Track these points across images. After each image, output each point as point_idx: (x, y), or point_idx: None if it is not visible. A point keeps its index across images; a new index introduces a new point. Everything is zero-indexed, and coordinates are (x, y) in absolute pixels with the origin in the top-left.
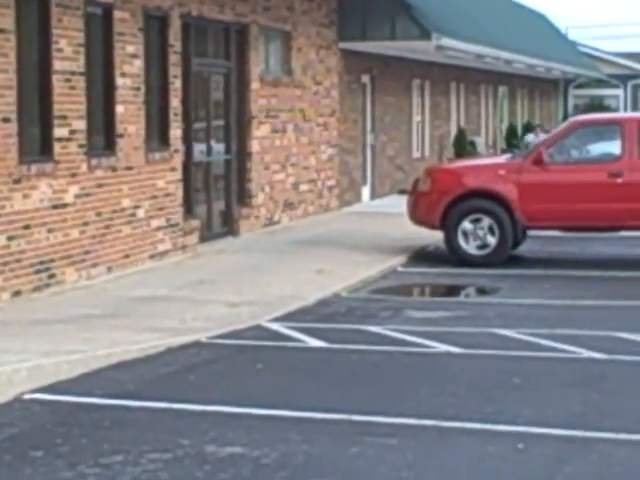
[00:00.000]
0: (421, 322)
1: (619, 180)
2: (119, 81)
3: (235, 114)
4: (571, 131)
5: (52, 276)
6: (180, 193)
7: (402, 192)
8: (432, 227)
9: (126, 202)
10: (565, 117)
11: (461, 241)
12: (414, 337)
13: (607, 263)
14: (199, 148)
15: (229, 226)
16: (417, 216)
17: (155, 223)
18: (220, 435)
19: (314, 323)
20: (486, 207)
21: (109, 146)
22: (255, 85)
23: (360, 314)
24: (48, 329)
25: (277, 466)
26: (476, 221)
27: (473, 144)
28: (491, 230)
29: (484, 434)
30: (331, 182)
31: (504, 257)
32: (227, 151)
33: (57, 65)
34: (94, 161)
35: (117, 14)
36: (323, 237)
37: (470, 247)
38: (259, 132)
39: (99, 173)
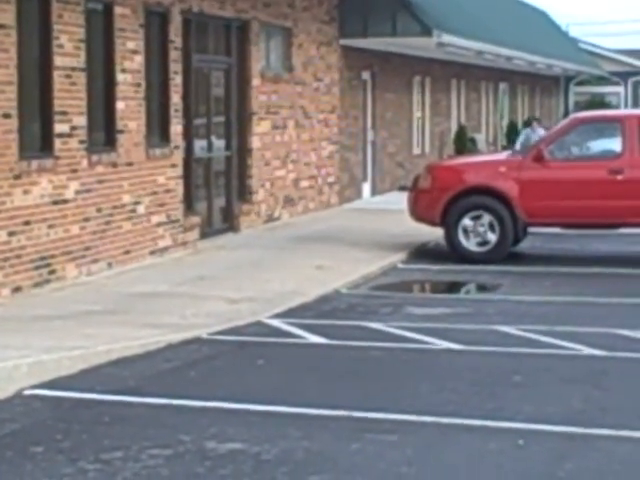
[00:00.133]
0: (421, 319)
1: (619, 177)
2: (120, 77)
3: (236, 110)
4: (572, 128)
5: (52, 272)
6: (180, 189)
7: (402, 189)
8: (432, 224)
9: (126, 198)
10: (566, 114)
11: (461, 238)
12: (414, 334)
13: (607, 260)
14: (200, 144)
15: (229, 222)
16: (417, 213)
17: (155, 219)
18: (220, 431)
19: (314, 319)
20: (486, 204)
21: (110, 142)
22: (256, 81)
23: (360, 310)
24: (48, 325)
25: (277, 462)
26: (476, 218)
27: (473, 141)
28: (491, 227)
29: (484, 431)
30: (331, 178)
31: (504, 254)
32: (228, 147)
33: (58, 61)
34: (94, 157)
35: (118, 10)
36: (323, 233)
37: (470, 244)
38: (260, 128)
39: (99, 169)
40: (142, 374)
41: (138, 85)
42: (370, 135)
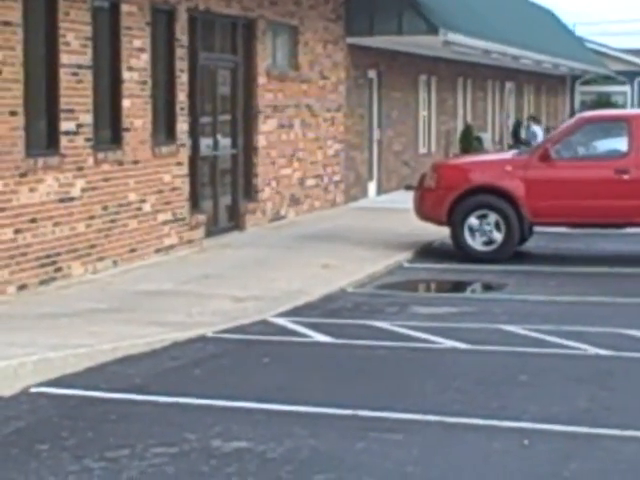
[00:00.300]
0: (427, 318)
1: (626, 177)
2: (126, 75)
3: (242, 109)
4: (578, 127)
5: (58, 270)
6: (186, 187)
7: (408, 188)
8: (438, 223)
9: (132, 196)
10: (572, 113)
11: (467, 237)
12: (420, 333)
13: (613, 260)
14: (205, 142)
15: (235, 221)
16: (423, 212)
17: (161, 217)
18: (226, 429)
19: (320, 318)
20: (492, 203)
21: (116, 140)
22: (262, 80)
23: (366, 309)
24: (54, 323)
25: (283, 461)
26: (482, 217)
27: (479, 140)
28: (497, 226)
29: (490, 430)
30: (337, 177)
31: (510, 253)
32: (233, 145)
33: (64, 59)
34: (101, 155)
35: (124, 8)
36: (329, 232)
37: (476, 243)
38: (265, 127)
39: (105, 167)
40: (147, 372)
41: (144, 83)
42: (376, 134)
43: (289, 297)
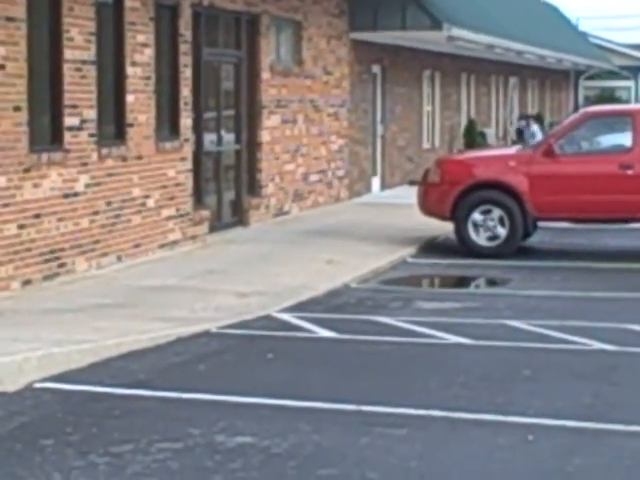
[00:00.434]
0: (431, 313)
1: (630, 172)
2: (130, 70)
3: (245, 104)
4: (582, 123)
5: (62, 265)
6: (190, 183)
7: (412, 183)
8: (442, 218)
9: (136, 191)
10: (575, 109)
11: (471, 232)
12: (424, 328)
13: (617, 255)
14: (209, 138)
15: (239, 216)
16: (427, 207)
17: (165, 213)
18: (230, 425)
19: (324, 313)
20: (496, 198)
21: (119, 135)
22: (265, 75)
23: (370, 305)
24: (58, 318)
25: (287, 456)
26: (486, 212)
27: (483, 135)
28: (501, 221)
29: (494, 425)
30: (341, 172)
31: (514, 248)
32: (237, 141)
33: (68, 54)
34: (104, 150)
35: (128, 3)
36: (333, 228)
37: (480, 238)
38: (269, 122)
39: (109, 162)
40: (152, 367)
41: (148, 78)
42: (380, 129)
43: (293, 292)
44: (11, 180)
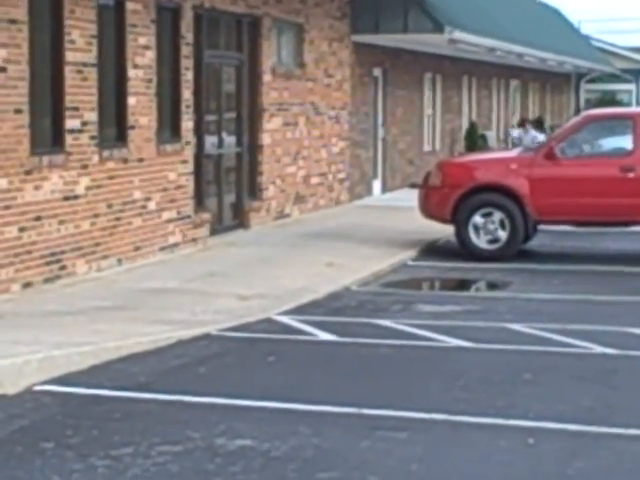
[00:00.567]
0: (432, 316)
1: (631, 175)
2: (131, 73)
3: (247, 106)
4: (583, 125)
5: (63, 268)
6: (191, 185)
7: (413, 186)
8: (443, 221)
9: (137, 194)
10: (577, 112)
11: (472, 235)
12: (425, 331)
13: (618, 258)
14: (210, 140)
15: (240, 219)
16: (428, 210)
17: (166, 215)
18: (230, 428)
19: (324, 316)
20: (497, 201)
21: (121, 138)
22: (267, 77)
23: (371, 308)
24: (59, 321)
25: (287, 459)
26: (487, 215)
27: (484, 138)
28: (502, 224)
29: (495, 428)
30: (342, 175)
31: (515, 251)
32: (238, 144)
33: (69, 56)
34: (105, 153)
35: (129, 5)
36: (334, 230)
37: (481, 241)
38: (270, 125)
39: (110, 165)
40: (152, 370)
41: (149, 81)
42: (381, 132)
43: (293, 295)
44: (12, 182)
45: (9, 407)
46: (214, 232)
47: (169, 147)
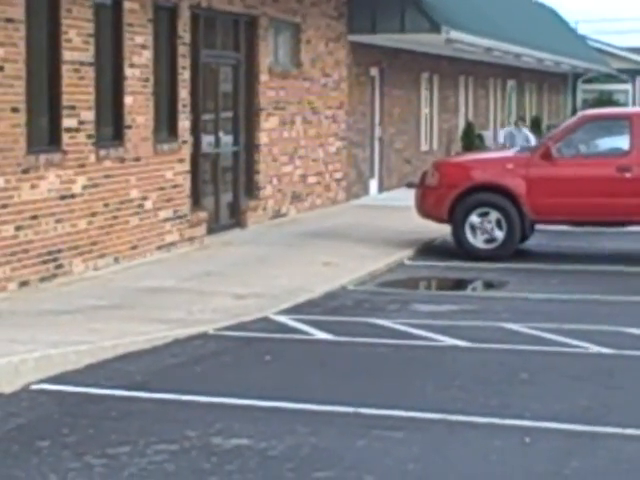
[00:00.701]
0: (428, 315)
1: (628, 175)
2: (128, 72)
3: (243, 106)
4: (580, 125)
5: (59, 266)
6: (188, 184)
7: (410, 185)
8: (440, 220)
9: (134, 193)
10: (574, 112)
11: (469, 235)
12: (421, 330)
13: (615, 258)
14: (207, 140)
15: (236, 218)
16: (425, 209)
17: (163, 214)
18: (227, 427)
19: (321, 316)
20: (494, 201)
21: (117, 137)
22: (264, 77)
23: (367, 307)
24: (55, 319)
25: (283, 458)
26: (484, 215)
27: (481, 138)
28: (499, 224)
29: (491, 428)
30: (339, 175)
31: (512, 251)
32: (235, 143)
33: (66, 55)
34: (102, 152)
35: (127, 5)
36: (330, 230)
37: (478, 241)
38: (267, 124)
39: (107, 164)
40: (148, 369)
41: (146, 80)
42: (378, 131)
43: (290, 294)
44: (9, 181)
45: (5, 406)
46: (211, 231)
47: (166, 146)
